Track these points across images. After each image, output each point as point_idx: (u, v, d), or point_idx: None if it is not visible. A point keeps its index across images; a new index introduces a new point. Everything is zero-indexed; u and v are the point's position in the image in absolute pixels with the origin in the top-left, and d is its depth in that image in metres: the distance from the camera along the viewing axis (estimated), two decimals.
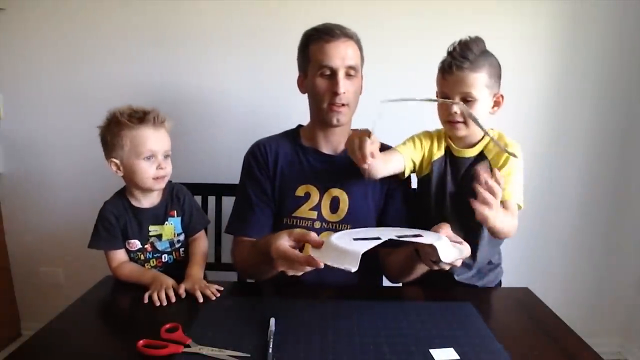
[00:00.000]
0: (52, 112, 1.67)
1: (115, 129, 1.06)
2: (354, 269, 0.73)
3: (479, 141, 1.08)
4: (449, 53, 1.02)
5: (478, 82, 0.99)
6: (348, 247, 0.77)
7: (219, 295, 0.97)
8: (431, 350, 0.77)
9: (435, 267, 0.90)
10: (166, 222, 1.14)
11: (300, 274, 0.85)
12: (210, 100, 1.66)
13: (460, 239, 0.87)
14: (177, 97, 1.63)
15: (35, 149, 1.70)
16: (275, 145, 1.18)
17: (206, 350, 0.75)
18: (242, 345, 0.77)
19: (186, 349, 0.76)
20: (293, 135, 1.21)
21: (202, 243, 1.18)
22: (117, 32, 1.61)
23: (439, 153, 1.11)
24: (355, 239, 0.82)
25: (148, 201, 1.14)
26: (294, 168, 1.15)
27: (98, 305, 0.98)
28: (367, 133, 0.93)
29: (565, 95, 1.68)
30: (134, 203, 1.13)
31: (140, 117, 1.06)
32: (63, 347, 0.79)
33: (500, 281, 1.22)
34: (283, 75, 1.63)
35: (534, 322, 0.92)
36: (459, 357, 0.76)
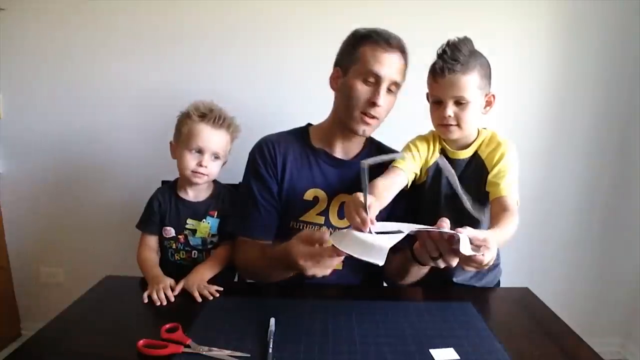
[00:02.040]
0: (52, 112, 1.67)
1: (183, 118, 1.17)
2: (381, 263, 0.72)
3: (473, 142, 1.07)
4: (440, 56, 1.00)
5: (470, 84, 0.97)
6: (374, 242, 0.75)
7: (217, 295, 0.97)
8: (431, 350, 0.78)
9: (431, 264, 0.89)
10: (204, 220, 1.18)
11: (329, 272, 0.82)
12: (210, 100, 1.65)
13: (481, 242, 0.79)
14: (177, 97, 1.61)
15: (35, 149, 1.70)
16: (285, 144, 1.13)
17: (206, 350, 0.75)
18: (242, 345, 0.77)
19: (186, 349, 0.76)
20: (302, 135, 1.16)
21: (226, 250, 1.16)
22: (116, 32, 1.60)
23: (434, 157, 1.09)
24: (377, 233, 0.80)
25: (194, 195, 1.20)
26: (303, 171, 1.12)
27: (98, 305, 0.98)
28: (360, 199, 0.82)
29: (565, 95, 1.68)
30: (180, 194, 1.19)
31: (203, 113, 1.14)
32: (63, 347, 0.79)
33: (499, 281, 1.22)
34: (283, 75, 1.63)
35: (534, 322, 0.92)
36: (459, 357, 0.76)
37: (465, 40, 0.99)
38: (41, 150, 1.70)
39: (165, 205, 1.18)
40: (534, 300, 1.03)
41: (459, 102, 0.99)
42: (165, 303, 0.94)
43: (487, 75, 1.02)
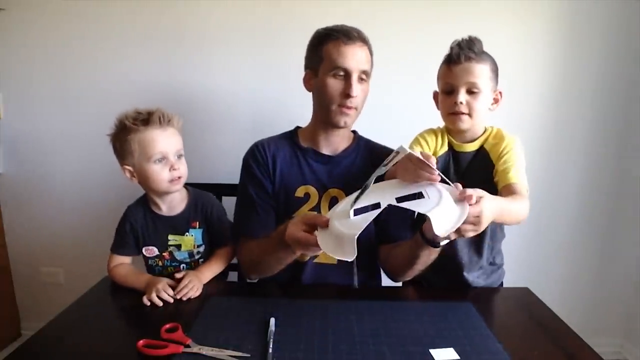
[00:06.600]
0: (52, 112, 1.67)
1: (123, 135, 1.04)
2: (350, 259, 0.72)
3: (480, 137, 1.09)
4: (457, 45, 1.04)
5: (483, 73, 1.02)
6: (345, 230, 0.78)
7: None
8: (431, 350, 0.78)
9: (443, 243, 0.90)
10: (187, 233, 1.12)
11: (318, 253, 0.98)
12: (211, 101, 1.65)
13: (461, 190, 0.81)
14: (177, 97, 1.62)
15: (35, 149, 1.70)
16: (274, 146, 1.17)
17: (206, 350, 0.75)
18: (242, 345, 0.77)
19: (186, 349, 0.76)
20: (291, 136, 1.20)
21: (227, 251, 1.15)
22: (117, 32, 1.60)
23: (442, 150, 1.11)
24: (356, 210, 0.83)
25: (169, 208, 1.12)
26: (293, 169, 1.15)
27: (98, 305, 0.98)
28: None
29: (565, 95, 1.68)
30: (155, 209, 1.12)
31: (145, 118, 1.04)
32: (63, 347, 0.79)
33: (502, 282, 1.22)
34: (283, 76, 1.63)
35: (534, 322, 0.92)
36: (459, 357, 0.76)
37: (477, 39, 1.05)
38: (41, 150, 1.70)
39: (140, 225, 1.10)
40: (534, 300, 1.03)
41: (471, 91, 1.02)
42: (170, 300, 0.94)
43: (496, 72, 1.07)
